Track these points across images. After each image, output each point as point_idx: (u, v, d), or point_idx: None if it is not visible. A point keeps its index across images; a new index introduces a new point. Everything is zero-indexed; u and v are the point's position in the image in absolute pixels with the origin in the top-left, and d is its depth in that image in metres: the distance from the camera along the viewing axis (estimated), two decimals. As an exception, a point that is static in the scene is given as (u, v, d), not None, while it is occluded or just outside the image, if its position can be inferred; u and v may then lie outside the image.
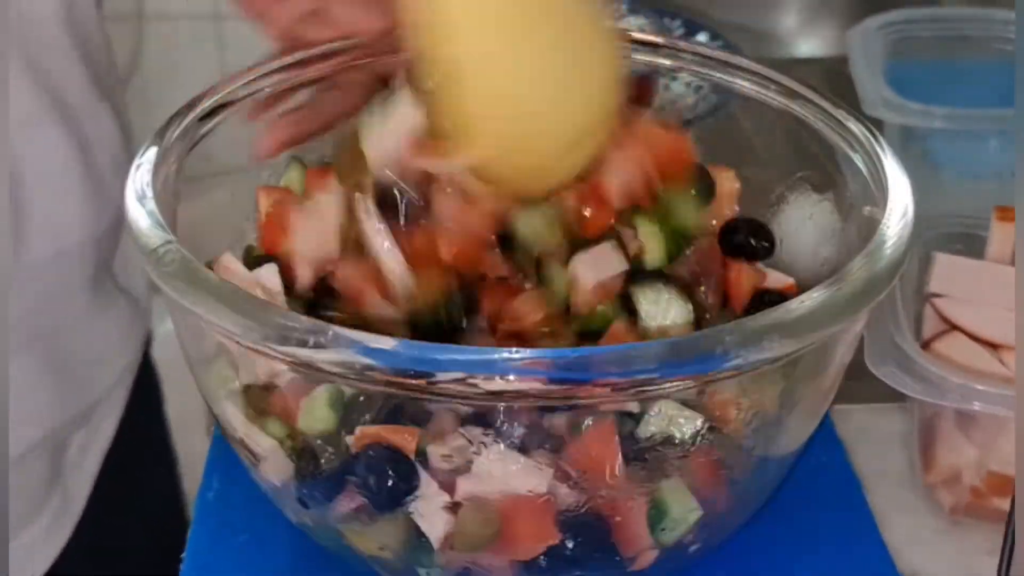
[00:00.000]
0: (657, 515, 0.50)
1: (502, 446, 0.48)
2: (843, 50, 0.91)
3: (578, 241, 0.57)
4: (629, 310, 0.55)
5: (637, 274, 0.56)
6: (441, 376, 0.44)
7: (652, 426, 0.49)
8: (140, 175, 0.53)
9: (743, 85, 0.63)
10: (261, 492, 0.55)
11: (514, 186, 0.56)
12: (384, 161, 0.56)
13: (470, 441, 0.48)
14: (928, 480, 0.65)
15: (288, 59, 0.62)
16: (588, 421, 0.48)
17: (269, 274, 0.55)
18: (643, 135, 0.58)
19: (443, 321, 0.54)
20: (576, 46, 0.55)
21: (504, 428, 0.48)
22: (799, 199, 0.62)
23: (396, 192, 0.56)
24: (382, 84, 0.64)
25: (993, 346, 0.65)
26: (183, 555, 0.58)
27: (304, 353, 0.45)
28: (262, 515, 0.58)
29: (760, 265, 0.61)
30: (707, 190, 0.60)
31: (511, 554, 0.50)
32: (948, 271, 0.68)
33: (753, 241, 0.61)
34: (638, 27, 1.00)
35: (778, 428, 0.52)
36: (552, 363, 0.44)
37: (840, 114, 0.59)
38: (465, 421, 0.48)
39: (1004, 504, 0.63)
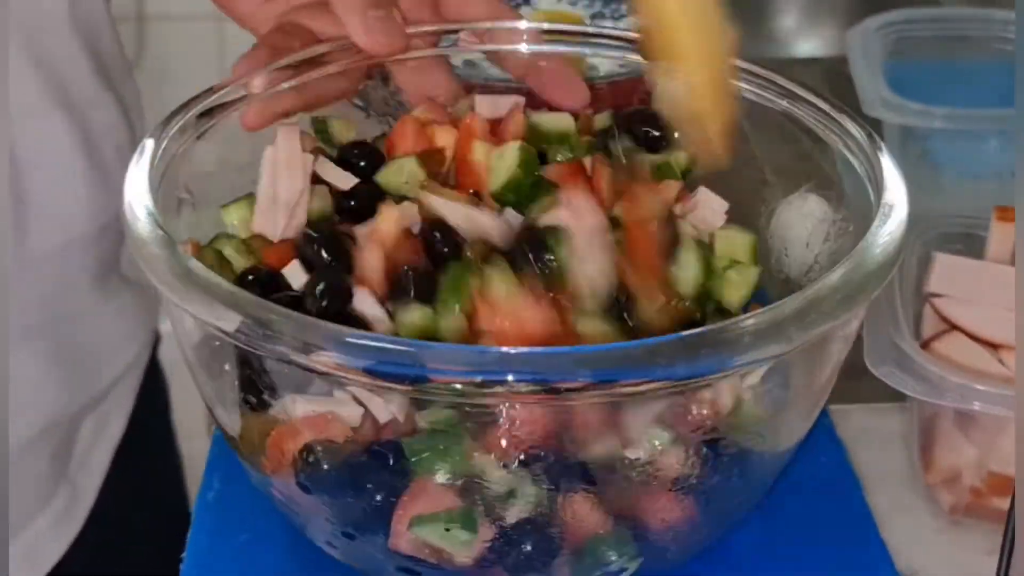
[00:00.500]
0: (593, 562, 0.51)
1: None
2: (843, 50, 0.91)
3: None
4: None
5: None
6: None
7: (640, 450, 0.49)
8: (138, 171, 0.53)
9: (740, 85, 0.63)
10: (261, 493, 0.56)
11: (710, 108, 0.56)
12: None
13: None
14: (928, 480, 0.65)
15: (286, 60, 0.62)
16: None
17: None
18: None
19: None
20: None
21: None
22: (796, 199, 0.62)
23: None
24: (372, 70, 0.65)
25: (993, 346, 0.65)
26: (182, 555, 0.58)
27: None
28: (262, 516, 0.58)
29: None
30: None
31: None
32: (948, 271, 0.68)
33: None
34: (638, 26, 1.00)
35: (769, 430, 0.53)
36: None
37: (836, 114, 0.59)
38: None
39: (1004, 504, 0.63)
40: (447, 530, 0.49)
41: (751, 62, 0.62)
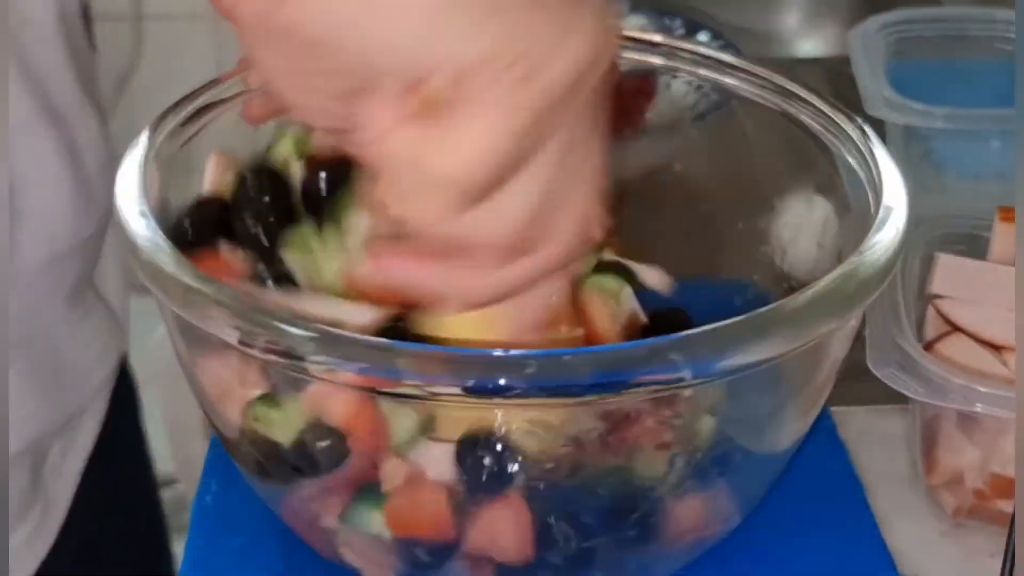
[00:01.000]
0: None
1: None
2: (844, 50, 0.91)
3: None
4: None
5: None
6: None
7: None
8: (130, 173, 0.53)
9: (741, 86, 0.63)
10: (258, 496, 0.55)
11: None
12: None
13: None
14: (930, 482, 0.65)
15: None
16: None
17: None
18: None
19: None
20: None
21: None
22: (796, 200, 0.62)
23: None
24: None
25: (996, 347, 0.64)
26: (173, 556, 0.58)
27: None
28: (260, 518, 0.58)
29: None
30: None
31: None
32: (950, 272, 0.68)
33: None
34: (638, 26, 1.00)
35: (766, 432, 0.52)
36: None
37: (836, 115, 0.59)
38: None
39: (1007, 506, 0.63)
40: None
41: (752, 62, 0.62)
